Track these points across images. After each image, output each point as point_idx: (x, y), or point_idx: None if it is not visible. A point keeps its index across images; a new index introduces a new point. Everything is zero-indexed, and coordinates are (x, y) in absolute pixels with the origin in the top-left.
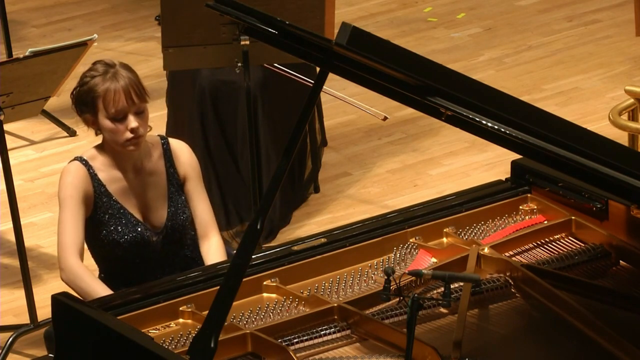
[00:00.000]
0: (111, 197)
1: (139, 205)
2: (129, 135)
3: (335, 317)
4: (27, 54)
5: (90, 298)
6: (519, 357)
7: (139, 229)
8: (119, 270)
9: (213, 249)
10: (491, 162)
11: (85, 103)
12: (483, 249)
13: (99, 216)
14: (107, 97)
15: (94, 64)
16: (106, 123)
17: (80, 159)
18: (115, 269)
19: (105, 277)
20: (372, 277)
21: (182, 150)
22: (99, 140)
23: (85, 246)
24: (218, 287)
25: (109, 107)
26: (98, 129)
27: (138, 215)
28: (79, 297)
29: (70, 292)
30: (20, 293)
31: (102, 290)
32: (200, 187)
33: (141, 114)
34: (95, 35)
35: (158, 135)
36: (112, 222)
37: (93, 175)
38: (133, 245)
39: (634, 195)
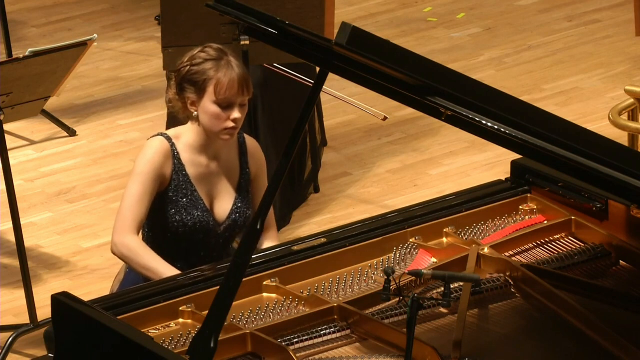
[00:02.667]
0: (188, 178)
1: (209, 193)
2: (230, 124)
3: (335, 317)
4: (27, 54)
5: (151, 273)
6: (519, 357)
7: (206, 216)
8: (173, 249)
9: (270, 241)
10: (491, 162)
11: (194, 83)
12: (483, 249)
13: (171, 194)
14: (221, 83)
15: (206, 46)
16: (211, 107)
17: (164, 136)
18: (169, 247)
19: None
20: (372, 277)
21: (256, 148)
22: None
23: None
24: (218, 287)
25: (220, 92)
26: (194, 110)
27: (207, 203)
28: (135, 269)
29: (71, 291)
30: (20, 293)
31: (162, 266)
32: (265, 184)
33: (244, 106)
34: (95, 35)
35: None
36: (183, 202)
37: (175, 154)
38: (198, 229)
39: (634, 195)
